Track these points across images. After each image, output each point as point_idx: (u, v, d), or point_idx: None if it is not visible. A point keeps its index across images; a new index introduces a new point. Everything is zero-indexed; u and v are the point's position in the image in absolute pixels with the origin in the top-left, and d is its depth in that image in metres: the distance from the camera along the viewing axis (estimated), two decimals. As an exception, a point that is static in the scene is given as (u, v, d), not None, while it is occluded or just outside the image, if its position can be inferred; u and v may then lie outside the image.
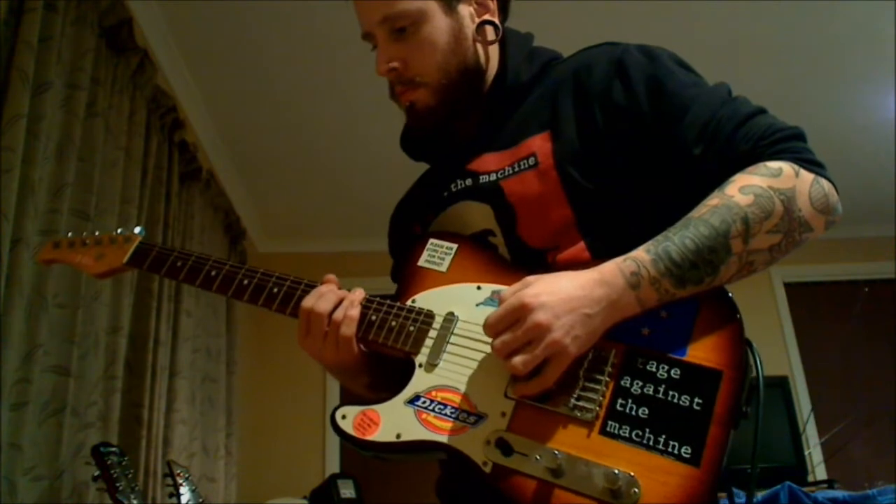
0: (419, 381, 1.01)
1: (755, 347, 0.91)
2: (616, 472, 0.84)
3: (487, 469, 0.91)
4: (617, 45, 1.14)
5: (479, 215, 1.12)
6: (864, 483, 2.53)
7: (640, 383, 0.91)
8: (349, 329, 1.06)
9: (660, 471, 0.85)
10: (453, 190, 1.17)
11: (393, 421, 0.98)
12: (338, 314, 1.06)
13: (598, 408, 0.90)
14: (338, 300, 1.08)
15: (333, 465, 4.18)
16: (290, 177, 4.09)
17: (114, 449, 1.88)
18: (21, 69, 1.87)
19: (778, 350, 4.47)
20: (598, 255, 1.02)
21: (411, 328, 1.05)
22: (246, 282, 1.16)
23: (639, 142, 1.06)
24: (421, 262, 1.13)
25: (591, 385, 0.92)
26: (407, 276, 1.14)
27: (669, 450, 0.86)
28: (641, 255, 0.94)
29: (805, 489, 2.35)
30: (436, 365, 1.01)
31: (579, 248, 1.04)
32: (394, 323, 1.06)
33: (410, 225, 1.26)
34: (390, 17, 1.12)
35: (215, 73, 3.24)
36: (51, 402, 1.91)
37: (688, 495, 0.83)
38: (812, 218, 0.97)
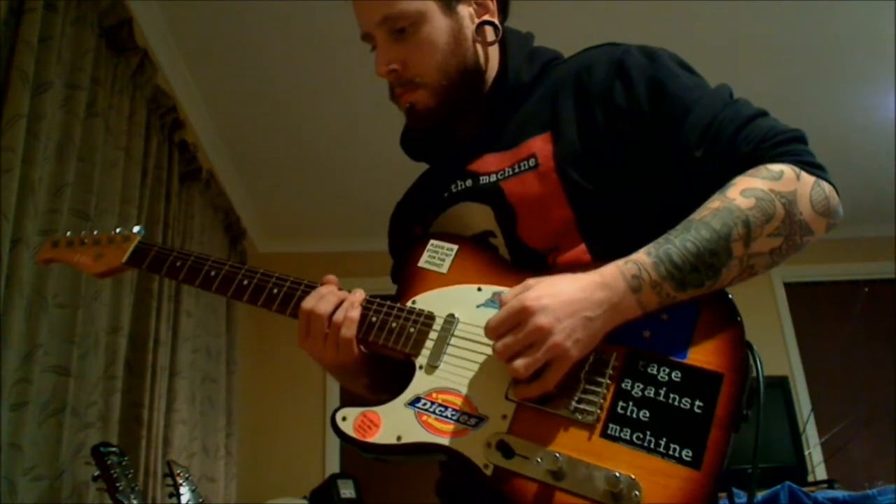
0: (420, 383, 1.01)
1: (756, 351, 0.91)
2: (617, 474, 0.84)
3: (488, 471, 0.91)
4: (618, 46, 1.14)
5: (479, 216, 1.12)
6: (864, 483, 2.53)
7: (641, 386, 0.91)
8: (349, 331, 1.06)
9: (660, 473, 0.85)
10: (454, 191, 1.17)
11: (393, 423, 0.98)
12: (338, 316, 1.06)
13: (599, 410, 0.90)
14: (338, 301, 1.08)
15: (333, 465, 4.19)
16: (290, 177, 4.09)
17: (114, 449, 1.88)
18: (21, 69, 1.87)
19: (778, 350, 4.47)
20: (599, 256, 1.01)
21: (412, 330, 1.05)
22: (245, 282, 1.16)
23: (639, 143, 1.05)
24: (421, 264, 1.13)
25: (592, 388, 0.92)
26: (407, 277, 1.13)
27: (670, 452, 0.86)
28: (642, 257, 0.94)
29: (805, 489, 2.36)
30: (436, 367, 1.01)
31: (580, 250, 1.04)
32: (394, 324, 1.06)
33: (411, 225, 1.25)
34: (390, 17, 1.11)
35: (215, 73, 3.23)
36: (51, 402, 1.91)
37: (689, 498, 0.83)
38: (813, 221, 0.97)
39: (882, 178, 4.25)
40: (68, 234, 1.41)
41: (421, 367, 1.02)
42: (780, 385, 3.10)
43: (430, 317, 1.05)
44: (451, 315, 1.04)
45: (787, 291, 4.67)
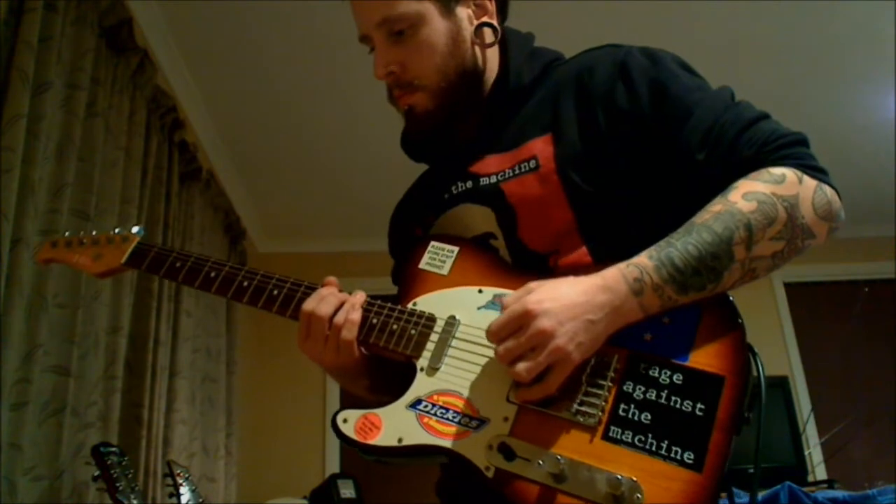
0: (421, 385, 1.00)
1: (758, 354, 0.91)
2: (619, 477, 0.84)
3: (490, 474, 0.90)
4: (620, 48, 1.14)
5: (480, 218, 1.12)
6: (864, 483, 2.53)
7: (643, 388, 0.91)
8: (350, 333, 1.06)
9: (662, 476, 0.85)
10: (454, 192, 1.17)
11: (394, 425, 0.98)
12: (339, 318, 1.06)
13: (600, 413, 0.90)
14: (339, 303, 1.08)
15: (333, 465, 4.18)
16: (290, 177, 4.09)
17: (114, 449, 1.88)
18: (21, 69, 1.87)
19: (778, 350, 4.47)
20: (600, 259, 1.01)
21: (413, 332, 1.05)
22: (245, 283, 1.16)
23: (641, 145, 1.05)
24: (422, 265, 1.12)
25: (594, 390, 0.92)
26: (408, 278, 1.13)
27: (672, 455, 0.86)
28: (644, 260, 0.94)
29: (805, 489, 2.36)
30: (437, 369, 1.01)
31: (581, 253, 1.04)
32: (395, 326, 1.06)
33: (411, 226, 1.25)
34: (389, 19, 1.11)
35: (215, 73, 3.23)
36: (51, 402, 1.91)
37: (690, 500, 0.83)
38: (815, 225, 0.96)
39: (882, 178, 4.25)
40: (67, 234, 1.40)
41: (422, 370, 1.02)
42: (780, 385, 3.10)
43: (432, 319, 1.05)
44: (452, 317, 1.04)
45: (787, 291, 4.67)
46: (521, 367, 0.90)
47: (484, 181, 1.13)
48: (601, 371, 0.93)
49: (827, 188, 0.98)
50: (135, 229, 1.33)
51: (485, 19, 1.17)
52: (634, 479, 0.84)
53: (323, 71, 3.24)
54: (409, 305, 1.08)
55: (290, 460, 4.21)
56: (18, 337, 1.78)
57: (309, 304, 1.08)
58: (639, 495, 0.83)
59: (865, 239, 4.61)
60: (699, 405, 0.88)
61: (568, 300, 0.91)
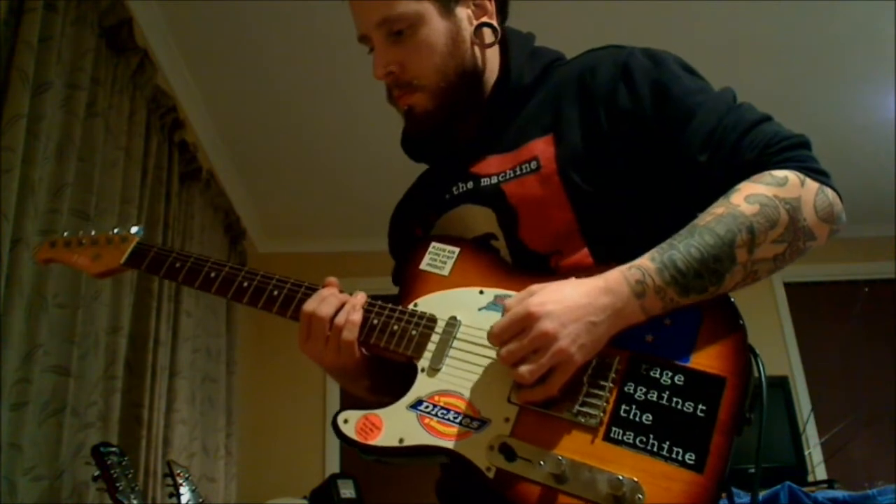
0: (422, 386, 1.00)
1: (759, 356, 0.91)
2: (620, 477, 0.84)
3: (491, 474, 0.90)
4: (622, 49, 1.13)
5: (481, 219, 1.12)
6: (864, 483, 2.53)
7: (644, 389, 0.91)
8: (351, 334, 1.06)
9: (663, 477, 0.85)
10: (455, 193, 1.16)
11: (395, 425, 0.98)
12: (340, 318, 1.06)
13: (601, 414, 0.90)
14: (339, 304, 1.07)
15: (333, 465, 4.18)
16: (290, 177, 4.09)
17: (114, 449, 1.88)
18: (21, 69, 1.87)
19: (778, 350, 4.47)
20: (602, 260, 1.02)
21: (413, 332, 1.05)
22: (246, 284, 1.16)
23: (642, 146, 1.05)
24: (423, 266, 1.12)
25: (595, 391, 0.92)
26: (408, 279, 1.13)
27: (673, 456, 0.86)
28: (646, 263, 0.94)
29: (805, 489, 2.36)
30: (438, 370, 1.01)
31: (582, 254, 1.04)
32: (396, 327, 1.06)
33: (411, 226, 1.25)
34: (389, 19, 1.11)
35: (215, 73, 3.23)
36: (51, 402, 1.91)
37: (692, 501, 0.83)
38: (816, 227, 0.97)
39: (882, 178, 4.25)
40: (66, 234, 1.40)
41: (423, 370, 1.02)
42: (780, 385, 3.11)
43: (432, 319, 1.05)
44: (453, 318, 1.04)
45: (787, 291, 4.67)
46: (524, 369, 0.90)
47: (485, 182, 1.13)
48: (602, 372, 0.93)
49: (828, 190, 0.98)
50: (134, 229, 1.32)
51: (484, 19, 1.17)
52: (636, 479, 0.84)
53: (323, 71, 3.24)
54: (410, 306, 1.08)
55: (290, 460, 4.20)
56: (18, 337, 1.78)
57: (310, 305, 1.08)
58: (640, 496, 0.83)
59: (865, 239, 4.61)
60: (700, 406, 0.88)
61: (570, 302, 0.91)
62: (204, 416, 3.22)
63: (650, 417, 0.89)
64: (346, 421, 1.00)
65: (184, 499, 2.08)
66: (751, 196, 0.95)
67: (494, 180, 1.11)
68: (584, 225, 1.05)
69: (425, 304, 1.08)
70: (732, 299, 0.96)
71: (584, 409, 0.91)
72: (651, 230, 0.99)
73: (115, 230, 1.34)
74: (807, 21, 3.12)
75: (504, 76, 1.18)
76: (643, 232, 1.00)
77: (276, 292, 1.13)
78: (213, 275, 1.18)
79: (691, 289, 0.93)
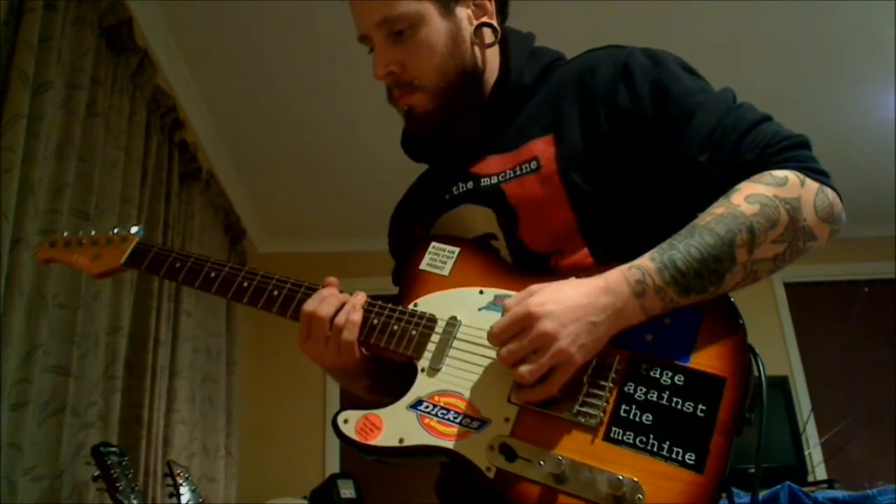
0: (422, 386, 1.00)
1: (759, 356, 0.91)
2: (620, 477, 0.84)
3: (491, 474, 0.90)
4: (622, 49, 1.13)
5: (481, 219, 1.12)
6: (864, 483, 2.53)
7: (644, 389, 0.91)
8: (351, 334, 1.06)
9: (663, 477, 0.85)
10: (455, 193, 1.16)
11: (395, 425, 0.98)
12: (340, 318, 1.06)
13: (601, 414, 0.90)
14: (339, 304, 1.07)
15: (333, 465, 4.18)
16: (290, 177, 4.09)
17: (114, 449, 1.88)
18: (21, 69, 1.87)
19: (778, 350, 4.47)
20: (602, 260, 1.02)
21: (413, 332, 1.05)
22: (246, 284, 1.16)
23: (642, 146, 1.05)
24: (423, 266, 1.12)
25: (595, 391, 0.92)
26: (408, 279, 1.13)
27: (673, 456, 0.86)
28: (646, 263, 0.94)
29: (805, 489, 2.36)
30: (438, 370, 1.01)
31: (582, 254, 1.04)
32: (396, 327, 1.06)
33: (411, 226, 1.25)
34: (389, 19, 1.11)
35: (215, 73, 3.23)
36: (51, 402, 1.91)
37: (692, 501, 0.83)
38: (816, 227, 0.97)
39: (882, 178, 4.25)
40: (66, 234, 1.40)
41: (423, 370, 1.02)
42: (780, 385, 3.11)
43: (432, 319, 1.05)
44: (453, 318, 1.04)
45: (787, 291, 4.67)
46: (524, 369, 0.90)
47: (485, 182, 1.13)
48: (602, 372, 0.93)
49: (829, 191, 0.98)
50: (134, 229, 1.33)
51: (484, 19, 1.17)
52: (636, 479, 0.84)
53: (323, 71, 3.24)
54: (410, 306, 1.08)
55: (290, 460, 4.20)
56: (18, 337, 1.78)
57: (310, 305, 1.08)
58: (640, 496, 0.83)
59: (865, 239, 4.61)
60: (700, 406, 0.88)
61: (570, 302, 0.91)
62: (204, 416, 3.22)
63: (650, 417, 0.89)
64: (346, 421, 1.00)
65: (184, 499, 2.08)
66: (751, 196, 0.95)
67: (494, 180, 1.11)
68: (584, 225, 1.05)
69: (425, 304, 1.08)
70: (732, 299, 0.96)
71: (584, 409, 0.91)
72: (651, 230, 0.99)
73: (115, 230, 1.34)
74: (807, 21, 3.12)
75: (504, 76, 1.18)
76: (643, 232, 1.00)
77: (276, 292, 1.13)
78: (213, 275, 1.18)
79: (691, 289, 0.93)
